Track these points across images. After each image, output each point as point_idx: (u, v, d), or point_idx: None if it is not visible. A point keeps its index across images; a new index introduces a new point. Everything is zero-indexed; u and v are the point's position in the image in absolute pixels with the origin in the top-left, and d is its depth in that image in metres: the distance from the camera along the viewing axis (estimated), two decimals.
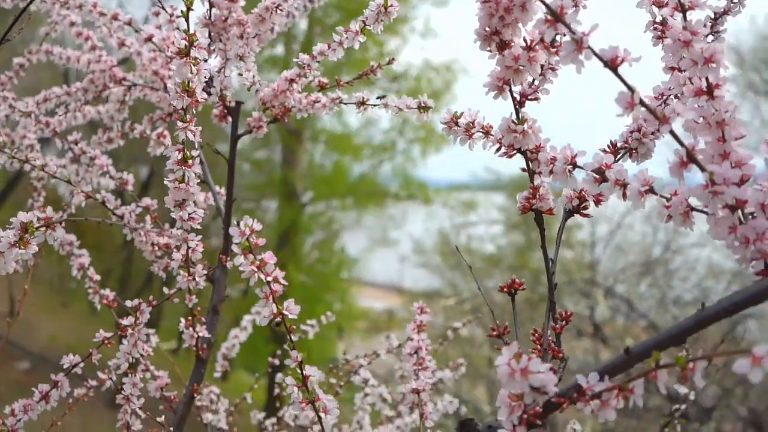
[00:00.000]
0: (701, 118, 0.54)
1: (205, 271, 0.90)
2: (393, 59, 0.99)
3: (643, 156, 0.68)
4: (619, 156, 0.69)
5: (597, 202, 0.67)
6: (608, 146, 0.69)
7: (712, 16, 0.74)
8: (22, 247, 0.67)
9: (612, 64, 0.50)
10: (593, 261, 6.32)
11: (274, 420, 1.35)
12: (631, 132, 0.68)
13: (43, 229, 0.66)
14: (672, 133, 0.51)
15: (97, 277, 1.10)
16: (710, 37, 0.72)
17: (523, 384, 0.49)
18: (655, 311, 6.40)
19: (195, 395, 0.98)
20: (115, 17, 1.09)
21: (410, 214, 12.21)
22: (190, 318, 0.95)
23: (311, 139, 12.29)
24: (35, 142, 1.25)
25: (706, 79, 0.53)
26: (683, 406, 1.08)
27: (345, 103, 0.96)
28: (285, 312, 0.63)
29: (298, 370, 0.64)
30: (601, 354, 6.15)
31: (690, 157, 0.51)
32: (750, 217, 0.52)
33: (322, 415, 0.64)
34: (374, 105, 0.94)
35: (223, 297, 1.01)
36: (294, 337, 0.65)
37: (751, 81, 8.85)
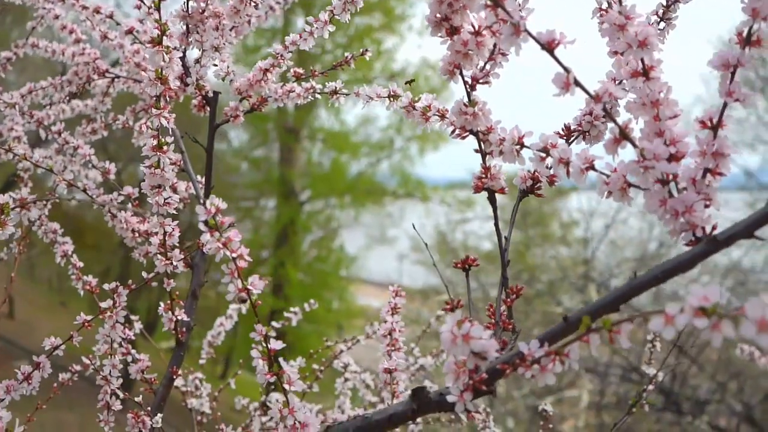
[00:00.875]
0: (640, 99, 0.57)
1: (182, 256, 0.93)
2: (367, 50, 1.02)
3: (594, 138, 0.71)
4: (572, 138, 0.72)
5: (551, 183, 0.70)
6: (562, 129, 0.72)
7: (665, 3, 0.77)
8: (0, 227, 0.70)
9: (549, 47, 0.53)
10: (587, 257, 6.35)
11: (256, 404, 1.39)
12: (584, 115, 0.71)
13: (18, 209, 0.69)
14: (605, 110, 0.54)
15: (80, 264, 1.12)
16: (662, 24, 0.75)
17: (464, 349, 0.52)
18: (651, 306, 6.44)
19: (174, 377, 1.01)
20: (97, 11, 1.11)
21: (408, 212, 12.24)
22: (168, 302, 0.98)
23: (309, 137, 12.32)
24: (22, 134, 1.28)
25: (642, 60, 0.56)
26: (650, 387, 1.11)
27: (319, 93, 0.99)
28: (249, 287, 0.66)
29: (263, 344, 0.67)
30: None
31: (623, 134, 0.54)
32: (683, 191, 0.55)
33: (287, 386, 0.67)
34: (346, 94, 0.97)
35: (202, 282, 1.04)
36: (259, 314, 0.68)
37: (747, 77, 8.88)
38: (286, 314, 1.42)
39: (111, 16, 1.13)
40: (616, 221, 7.08)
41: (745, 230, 0.50)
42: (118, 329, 0.92)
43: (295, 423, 0.66)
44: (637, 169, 0.53)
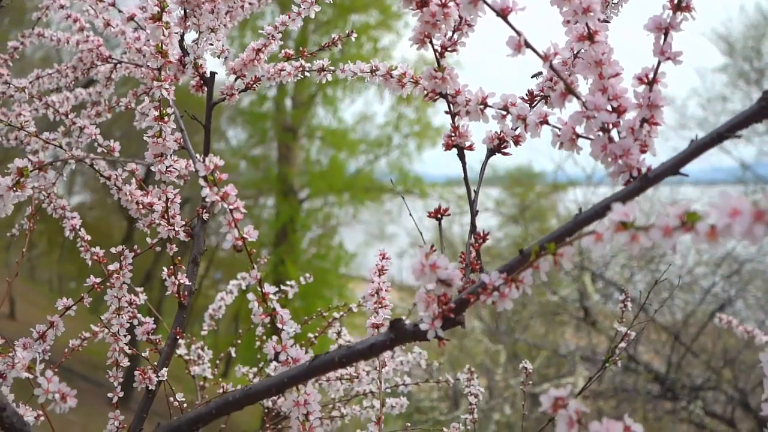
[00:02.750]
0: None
1: (184, 222, 1.01)
2: (352, 32, 1.09)
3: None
4: (535, 102, 0.79)
5: (516, 143, 0.77)
6: (525, 94, 0.79)
7: None
8: (19, 189, 0.77)
9: (503, 13, 0.61)
10: (581, 246, 6.43)
11: (255, 369, 1.46)
12: (545, 81, 0.78)
13: (36, 171, 0.76)
14: (552, 68, 0.61)
15: (88, 237, 1.20)
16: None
17: (432, 277, 0.60)
18: (644, 295, 6.51)
19: (178, 337, 1.08)
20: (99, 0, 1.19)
21: (406, 208, 12.26)
22: (171, 267, 1.06)
23: (307, 135, 12.39)
24: (30, 119, 1.36)
25: (587, 25, 0.64)
26: (622, 345, 1.18)
27: (307, 71, 1.07)
28: (245, 236, 0.73)
29: (258, 288, 0.75)
30: (592, 338, 6.28)
31: (568, 89, 0.62)
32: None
33: (280, 325, 0.75)
34: (332, 70, 1.04)
35: (203, 250, 1.11)
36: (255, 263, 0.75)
37: (742, 70, 8.95)
38: (282, 287, 1.49)
39: (113, 4, 1.20)
40: None
41: (671, 168, 0.57)
42: (124, 290, 0.99)
43: (287, 358, 0.74)
44: (581, 118, 0.61)
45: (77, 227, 1.21)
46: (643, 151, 0.61)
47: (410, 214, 1.19)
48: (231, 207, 0.72)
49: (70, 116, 1.17)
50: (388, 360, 1.37)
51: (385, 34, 11.48)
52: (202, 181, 0.72)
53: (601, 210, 0.59)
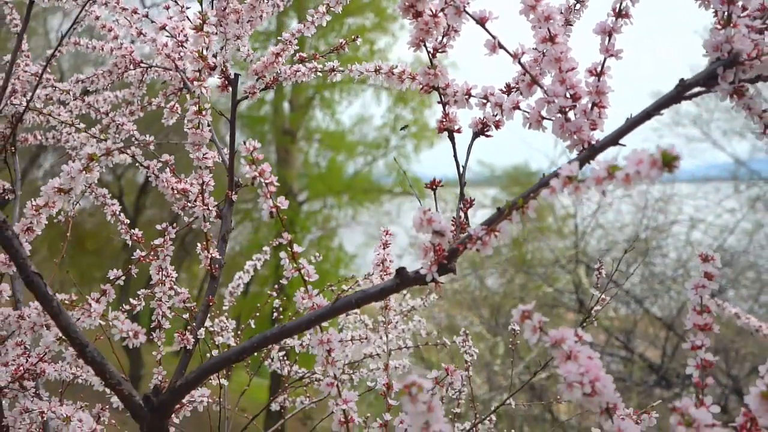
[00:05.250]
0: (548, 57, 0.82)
1: (216, 203, 1.17)
2: (357, 36, 1.26)
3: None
4: (512, 93, 0.96)
5: (497, 127, 0.94)
6: (504, 86, 0.96)
7: None
8: (88, 173, 0.94)
9: (481, 22, 0.78)
10: (577, 241, 6.61)
11: None
12: (519, 75, 0.95)
13: (104, 156, 0.93)
14: (520, 64, 0.78)
15: (127, 221, 1.37)
16: (578, 5, 1.00)
17: (428, 228, 0.77)
18: (639, 288, 6.70)
19: (210, 304, 1.25)
20: (134, 11, 1.36)
21: (405, 209, 12.46)
22: (204, 243, 1.22)
23: (305, 138, 12.55)
24: (68, 117, 1.53)
25: (548, 30, 0.81)
26: (597, 307, 1.35)
27: (320, 72, 1.23)
28: (278, 204, 0.90)
29: (289, 248, 0.92)
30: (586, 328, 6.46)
31: (533, 81, 0.78)
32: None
33: (306, 278, 0.91)
34: (341, 70, 1.21)
35: (230, 228, 1.28)
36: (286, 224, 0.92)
37: None
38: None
39: (146, 16, 1.37)
40: (605, 209, 7.34)
41: (611, 140, 0.74)
42: (167, 261, 1.16)
43: (313, 305, 0.90)
44: (544, 104, 0.78)
45: (117, 212, 1.38)
46: (593, 129, 0.78)
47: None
48: (266, 181, 0.89)
49: (110, 114, 1.34)
50: (391, 329, 1.54)
51: (381, 37, 11.67)
52: (243, 160, 0.88)
53: (556, 173, 0.76)
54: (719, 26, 0.71)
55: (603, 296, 1.37)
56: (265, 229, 11.73)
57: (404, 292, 1.74)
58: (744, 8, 0.72)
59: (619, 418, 0.63)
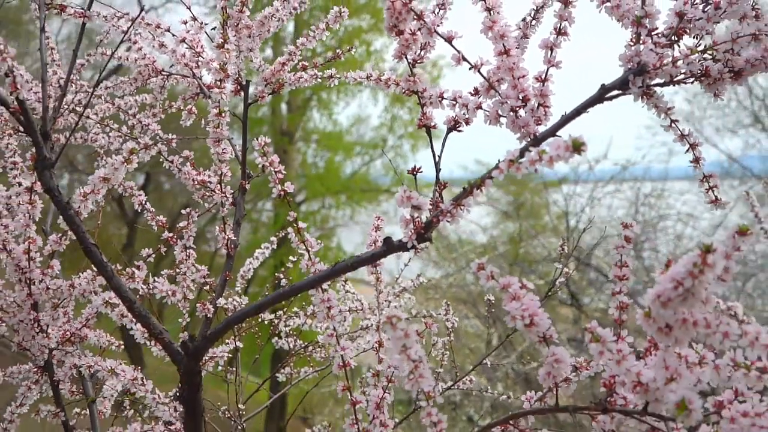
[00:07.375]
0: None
1: (233, 191, 1.37)
2: (351, 47, 1.46)
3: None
4: (480, 95, 1.16)
5: (467, 123, 1.14)
6: (473, 89, 1.16)
7: (535, 8, 1.21)
8: (128, 164, 1.14)
9: (448, 39, 0.98)
10: (567, 234, 6.82)
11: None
12: (482, 82, 1.15)
13: (143, 150, 1.13)
14: (480, 73, 0.98)
15: (153, 210, 1.57)
16: (534, 21, 1.20)
17: (408, 203, 0.97)
18: (631, 281, 6.90)
19: (227, 278, 1.45)
20: (158, 26, 1.56)
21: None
22: (221, 225, 1.42)
23: (303, 139, 12.74)
24: (95, 119, 1.72)
25: (503, 45, 1.01)
26: (561, 280, 1.54)
27: (320, 78, 1.44)
28: (286, 188, 1.10)
29: (295, 225, 1.12)
30: (580, 320, 6.67)
31: (490, 86, 0.99)
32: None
33: (309, 248, 1.11)
34: (338, 77, 1.41)
35: (244, 213, 1.48)
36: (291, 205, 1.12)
37: None
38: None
39: (168, 29, 1.57)
40: (596, 204, 7.55)
41: (549, 133, 0.94)
42: (191, 241, 1.36)
43: (315, 270, 1.11)
44: (499, 104, 0.98)
45: (144, 202, 1.58)
46: (538, 124, 0.98)
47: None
48: (276, 170, 1.09)
49: (137, 116, 1.54)
50: (384, 306, 1.74)
51: (377, 38, 11.87)
52: (256, 153, 1.08)
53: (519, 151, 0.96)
54: (631, 43, 0.91)
55: (567, 269, 1.57)
56: (263, 230, 11.92)
57: (397, 278, 1.96)
58: (652, 30, 0.92)
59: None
